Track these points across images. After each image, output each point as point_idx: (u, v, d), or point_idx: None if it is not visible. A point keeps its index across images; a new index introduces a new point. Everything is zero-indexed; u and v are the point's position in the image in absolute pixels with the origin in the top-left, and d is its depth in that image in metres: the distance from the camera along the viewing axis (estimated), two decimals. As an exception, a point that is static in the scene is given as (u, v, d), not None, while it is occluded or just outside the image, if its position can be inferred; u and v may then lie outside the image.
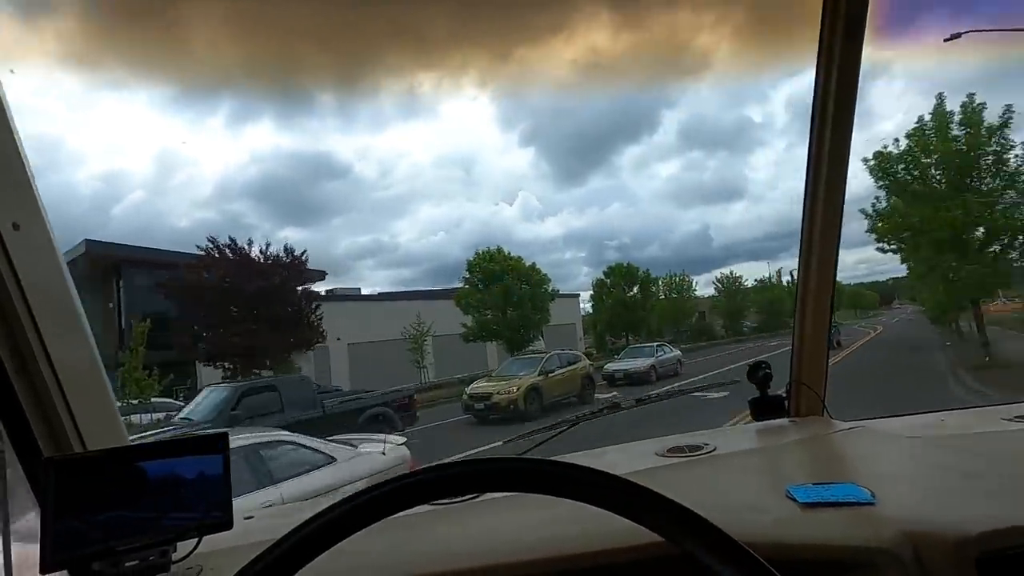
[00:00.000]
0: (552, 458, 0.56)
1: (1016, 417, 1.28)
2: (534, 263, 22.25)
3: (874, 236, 15.62)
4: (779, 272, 49.12)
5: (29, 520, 0.85)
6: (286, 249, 17.49)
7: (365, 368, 22.85)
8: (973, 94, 12.70)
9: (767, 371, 1.50)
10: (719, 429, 1.60)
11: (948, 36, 11.37)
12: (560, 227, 72.77)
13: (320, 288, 21.28)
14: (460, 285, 22.32)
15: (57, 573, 0.77)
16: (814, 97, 1.28)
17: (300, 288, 17.97)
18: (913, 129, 13.75)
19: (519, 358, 14.70)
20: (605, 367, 17.61)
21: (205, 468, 0.83)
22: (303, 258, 17.72)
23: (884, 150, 14.13)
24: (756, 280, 45.96)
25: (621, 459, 1.40)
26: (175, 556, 0.83)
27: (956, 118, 13.11)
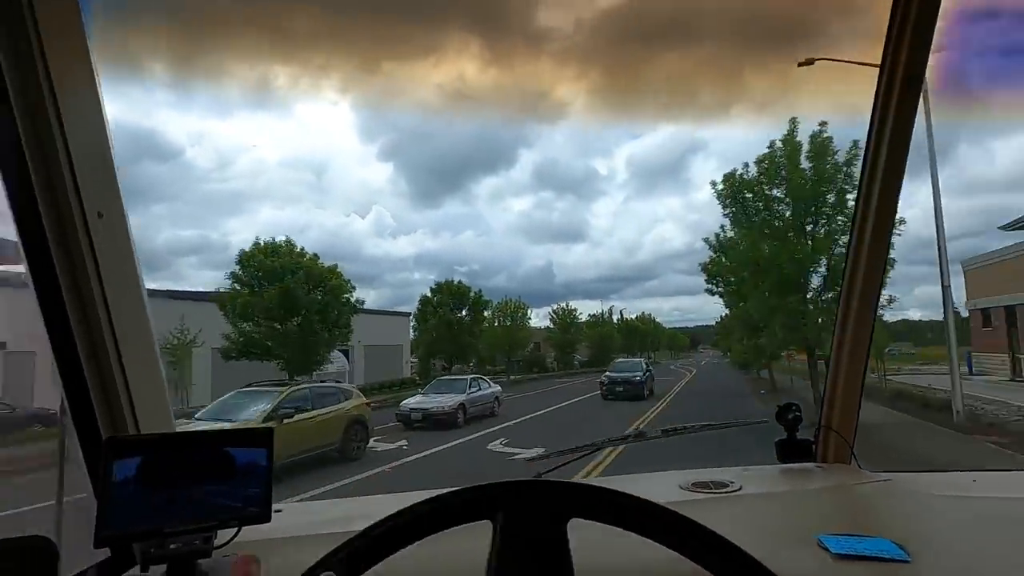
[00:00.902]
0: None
1: None
2: (335, 265, 17.30)
3: (705, 276, 14.29)
4: (611, 310, 50.92)
5: (83, 497, 0.90)
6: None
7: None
8: (824, 123, 11.21)
9: (797, 414, 1.50)
10: (743, 468, 1.53)
11: (802, 62, 9.61)
12: (413, 247, 73.37)
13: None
14: (228, 284, 16.28)
15: (105, 550, 0.86)
16: (865, 151, 1.34)
17: None
18: (764, 155, 12.00)
19: (245, 390, 9.71)
20: (401, 404, 13.46)
21: (250, 460, 0.86)
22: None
23: (735, 173, 12.20)
24: (590, 315, 47.73)
25: (646, 490, 1.17)
26: (215, 543, 0.84)
27: (805, 147, 11.53)
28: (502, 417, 14.59)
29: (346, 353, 23.30)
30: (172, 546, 0.80)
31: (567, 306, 41.02)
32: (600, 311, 49.57)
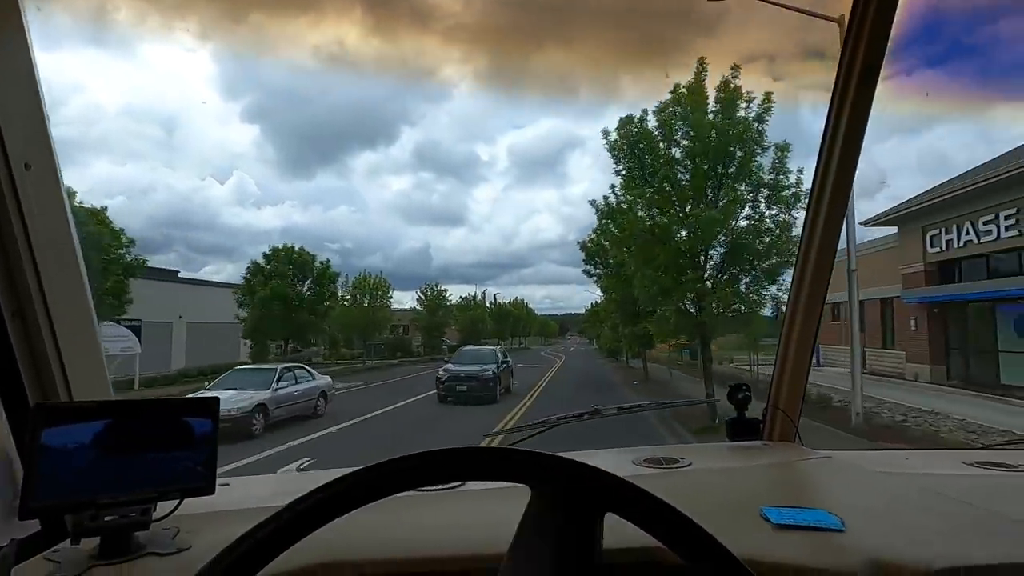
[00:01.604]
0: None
1: (976, 462, 1.38)
2: (104, 208, 12.19)
3: (583, 256, 11.89)
4: (483, 293, 48.51)
5: (12, 467, 0.85)
6: None
7: None
8: (737, 67, 9.08)
9: (747, 394, 1.59)
10: (694, 445, 1.79)
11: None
12: (279, 219, 68.63)
13: None
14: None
15: (34, 522, 0.80)
16: (823, 137, 1.38)
17: None
18: (665, 102, 9.64)
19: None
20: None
21: (194, 431, 0.83)
22: None
23: (632, 119, 9.69)
24: (461, 297, 45.43)
25: (600, 465, 1.05)
26: (154, 515, 0.82)
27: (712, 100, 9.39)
28: (330, 418, 11.44)
29: (136, 330, 17.83)
30: (107, 518, 0.77)
31: (436, 286, 37.32)
32: (472, 293, 47.58)
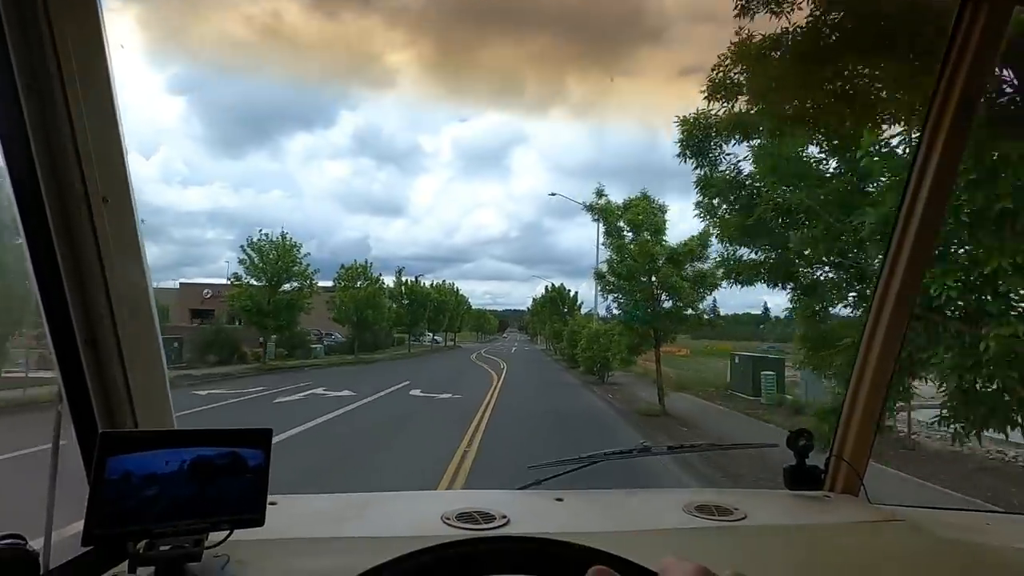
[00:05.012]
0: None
1: None
2: None
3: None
4: (399, 271, 41.28)
5: (80, 492, 0.86)
6: None
7: None
8: None
9: (808, 442, 1.52)
10: (750, 491, 1.62)
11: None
12: (207, 200, 65.35)
13: None
14: None
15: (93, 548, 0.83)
16: (910, 171, 1.36)
17: None
18: None
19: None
20: None
21: (246, 461, 0.88)
22: None
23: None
24: (341, 266, 33.61)
25: (647, 510, 1.40)
26: (206, 543, 0.87)
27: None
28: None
29: None
30: (162, 548, 0.83)
31: (355, 263, 30.83)
32: (365, 261, 33.47)
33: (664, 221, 13.36)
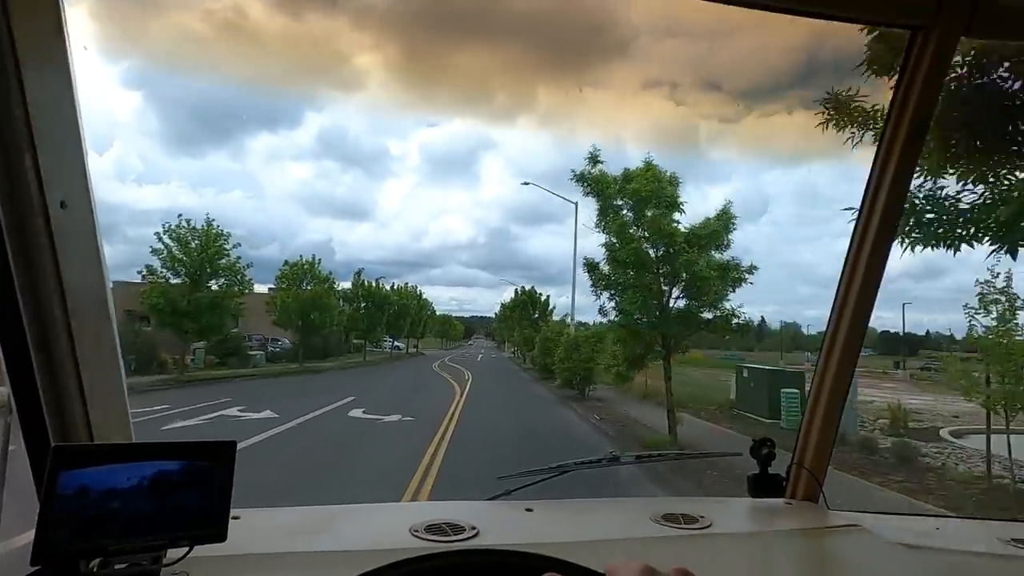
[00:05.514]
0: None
1: (1013, 540, 1.40)
2: None
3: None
4: (359, 272, 37.58)
5: (29, 509, 0.84)
6: None
7: None
8: None
9: (771, 450, 1.63)
10: (714, 499, 1.70)
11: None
12: (164, 199, 62.63)
13: None
14: None
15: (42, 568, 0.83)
16: (865, 192, 1.46)
17: None
18: None
19: None
20: None
21: (208, 474, 0.87)
22: None
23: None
24: (285, 262, 29.19)
25: (615, 519, 1.47)
26: (164, 560, 0.88)
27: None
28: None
29: None
30: (117, 566, 0.83)
31: (302, 258, 27.20)
32: (312, 257, 28.65)
33: (677, 196, 10.65)
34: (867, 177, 1.43)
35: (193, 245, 20.43)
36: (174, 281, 20.15)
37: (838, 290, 1.51)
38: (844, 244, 1.53)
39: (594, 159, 10.98)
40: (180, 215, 23.59)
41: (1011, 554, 1.30)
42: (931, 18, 1.25)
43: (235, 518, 1.06)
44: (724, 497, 1.71)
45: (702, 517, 1.34)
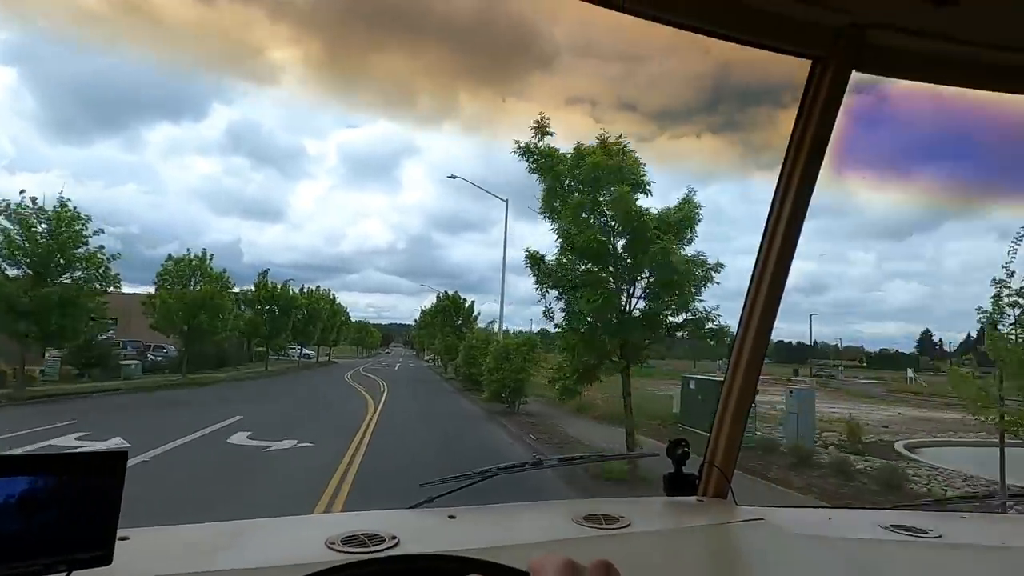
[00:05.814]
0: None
1: (892, 526, 1.54)
2: None
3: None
4: (264, 273, 34.03)
5: None
6: None
7: None
8: None
9: (686, 449, 1.72)
10: (632, 500, 1.81)
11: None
12: (41, 189, 49.75)
13: None
14: None
15: None
16: (770, 210, 1.57)
17: None
18: None
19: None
20: None
21: (92, 490, 0.78)
22: None
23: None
24: (169, 256, 26.46)
25: (538, 523, 1.54)
26: None
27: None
28: None
29: None
30: None
31: (190, 253, 23.77)
32: (203, 252, 26.14)
33: (644, 176, 8.84)
34: (772, 202, 1.57)
35: (40, 229, 16.86)
36: (12, 273, 16.55)
37: (745, 301, 1.64)
38: (745, 261, 1.85)
39: (542, 130, 9.19)
40: (23, 191, 19.54)
41: (890, 539, 1.46)
42: (829, 48, 1.37)
43: (123, 539, 1.01)
44: (643, 497, 1.86)
45: (622, 517, 1.43)
